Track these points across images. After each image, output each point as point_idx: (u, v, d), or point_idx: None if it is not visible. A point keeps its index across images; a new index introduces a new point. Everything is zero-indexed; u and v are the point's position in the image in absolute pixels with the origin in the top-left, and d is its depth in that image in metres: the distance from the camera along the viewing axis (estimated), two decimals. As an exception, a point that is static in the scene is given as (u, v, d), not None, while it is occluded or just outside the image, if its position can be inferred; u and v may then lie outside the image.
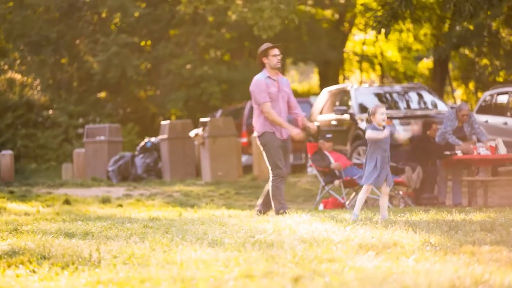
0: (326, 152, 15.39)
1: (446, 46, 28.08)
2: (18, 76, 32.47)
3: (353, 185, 15.12)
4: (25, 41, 31.41)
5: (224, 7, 27.59)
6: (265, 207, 11.88)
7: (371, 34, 35.34)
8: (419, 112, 19.02)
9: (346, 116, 19.61)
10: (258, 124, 11.65)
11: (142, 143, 24.21)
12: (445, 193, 15.42)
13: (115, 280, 5.47)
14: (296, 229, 8.04)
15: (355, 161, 17.96)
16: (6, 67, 32.58)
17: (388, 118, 10.22)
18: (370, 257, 6.02)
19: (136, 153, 23.88)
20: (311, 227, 8.15)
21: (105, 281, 5.46)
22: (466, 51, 29.95)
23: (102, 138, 24.11)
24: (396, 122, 18.19)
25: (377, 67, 38.32)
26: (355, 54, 38.51)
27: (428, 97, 20.18)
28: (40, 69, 31.73)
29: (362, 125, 18.63)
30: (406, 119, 18.49)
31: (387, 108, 13.73)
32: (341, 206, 14.84)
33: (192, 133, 22.30)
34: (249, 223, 8.93)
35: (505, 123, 18.77)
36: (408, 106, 19.81)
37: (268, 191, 11.75)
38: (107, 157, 23.74)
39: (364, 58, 37.91)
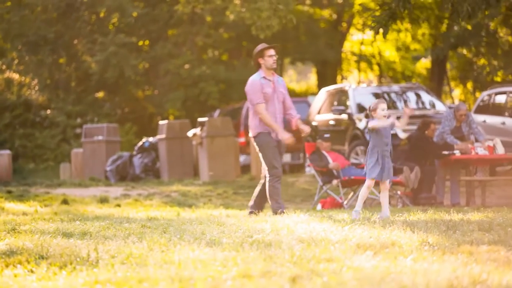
0: (324, 152, 15.40)
1: (444, 46, 28.13)
2: (16, 76, 32.42)
3: (351, 185, 15.13)
4: (23, 41, 31.37)
5: (222, 7, 27.56)
6: (257, 208, 11.81)
7: (369, 34, 35.38)
8: (417, 112, 19.02)
9: (344, 116, 19.60)
10: (253, 125, 11.64)
11: (140, 143, 24.19)
12: (443, 193, 15.43)
13: (113, 280, 5.47)
14: (294, 229, 8.03)
15: (353, 161, 17.97)
16: (4, 67, 32.53)
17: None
18: (368, 257, 6.02)
19: (134, 153, 23.86)
20: (309, 227, 8.15)
21: (103, 281, 5.46)
22: (464, 51, 29.96)
23: (100, 138, 24.08)
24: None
25: (375, 67, 38.31)
26: (353, 54, 38.50)
27: (426, 97, 20.18)
28: (38, 69, 31.69)
29: (360, 125, 18.64)
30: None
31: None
32: (339, 206, 14.84)
33: (190, 133, 22.29)
34: (247, 223, 8.92)
35: (503, 123, 18.76)
36: (406, 106, 19.78)
37: (259, 192, 11.73)
38: (105, 157, 23.72)
39: (362, 58, 37.89)
